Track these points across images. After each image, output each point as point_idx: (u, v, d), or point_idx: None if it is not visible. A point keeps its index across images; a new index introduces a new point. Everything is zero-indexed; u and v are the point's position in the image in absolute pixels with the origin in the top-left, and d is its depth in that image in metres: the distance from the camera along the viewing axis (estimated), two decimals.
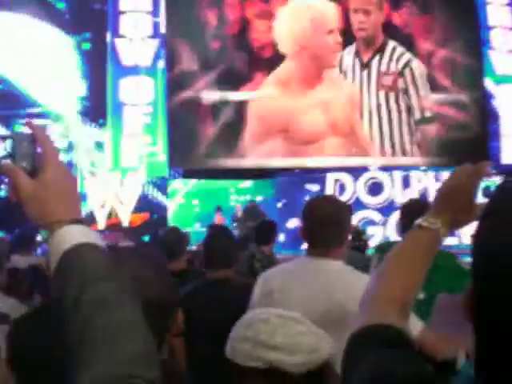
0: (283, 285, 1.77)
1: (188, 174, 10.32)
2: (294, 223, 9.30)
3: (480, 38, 10.68)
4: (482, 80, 10.65)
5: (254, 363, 1.17)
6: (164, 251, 3.11)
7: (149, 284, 1.01)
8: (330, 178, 10.22)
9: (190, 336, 2.50)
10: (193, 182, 10.53)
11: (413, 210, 2.47)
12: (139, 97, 9.99)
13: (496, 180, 7.23)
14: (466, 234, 8.86)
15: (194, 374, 2.49)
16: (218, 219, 9.50)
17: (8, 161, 0.76)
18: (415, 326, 1.72)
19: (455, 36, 10.44)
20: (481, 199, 0.91)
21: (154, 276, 1.05)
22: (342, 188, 10.18)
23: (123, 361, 0.63)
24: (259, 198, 10.55)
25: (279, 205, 10.21)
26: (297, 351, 1.15)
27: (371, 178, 10.28)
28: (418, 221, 0.94)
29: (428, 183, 10.09)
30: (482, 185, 1.04)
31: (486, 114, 10.67)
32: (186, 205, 10.51)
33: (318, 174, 10.22)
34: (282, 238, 9.08)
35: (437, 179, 9.96)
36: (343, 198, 8.87)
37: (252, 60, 10.09)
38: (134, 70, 10.03)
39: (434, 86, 10.38)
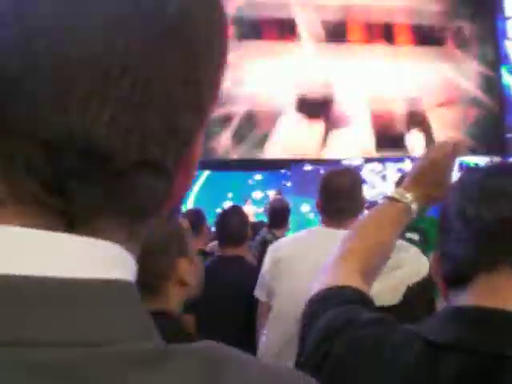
0: (292, 253, 1.73)
1: (200, 165, 10.21)
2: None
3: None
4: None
5: None
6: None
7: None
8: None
9: (201, 313, 2.47)
10: (207, 172, 10.45)
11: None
12: None
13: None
14: None
15: None
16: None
17: None
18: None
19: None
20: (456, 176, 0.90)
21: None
22: None
23: None
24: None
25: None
26: None
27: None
28: (390, 192, 0.95)
29: None
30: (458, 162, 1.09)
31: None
32: (200, 196, 10.43)
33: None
34: None
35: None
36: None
37: None
38: None
39: None
